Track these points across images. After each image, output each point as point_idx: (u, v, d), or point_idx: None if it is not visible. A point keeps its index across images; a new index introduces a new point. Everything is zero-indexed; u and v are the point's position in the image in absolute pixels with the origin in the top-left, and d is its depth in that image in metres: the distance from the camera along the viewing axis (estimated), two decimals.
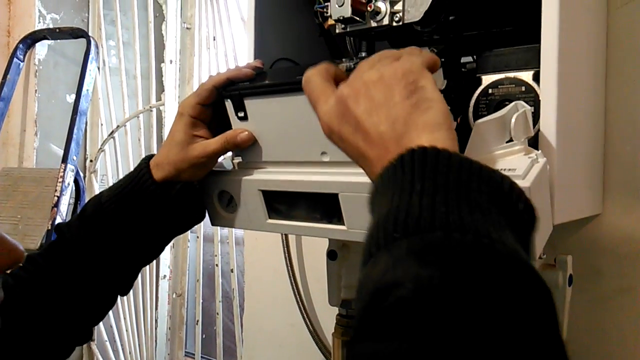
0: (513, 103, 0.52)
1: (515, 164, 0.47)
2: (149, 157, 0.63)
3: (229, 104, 0.64)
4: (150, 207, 0.61)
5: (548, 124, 0.52)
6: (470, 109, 0.62)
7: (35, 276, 0.60)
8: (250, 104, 0.63)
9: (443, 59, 0.66)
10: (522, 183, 0.44)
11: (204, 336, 1.82)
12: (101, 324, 1.94)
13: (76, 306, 0.62)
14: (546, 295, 0.29)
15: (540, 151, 0.50)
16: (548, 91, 0.52)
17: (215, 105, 0.65)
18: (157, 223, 0.63)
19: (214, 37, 1.59)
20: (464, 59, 0.68)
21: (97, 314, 0.66)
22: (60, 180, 1.51)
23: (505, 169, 0.46)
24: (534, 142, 0.57)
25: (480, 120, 0.51)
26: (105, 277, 0.63)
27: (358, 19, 0.66)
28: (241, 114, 0.64)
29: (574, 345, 0.74)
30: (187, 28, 1.63)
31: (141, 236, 0.62)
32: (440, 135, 0.39)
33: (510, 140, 0.51)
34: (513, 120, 0.50)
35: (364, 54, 0.83)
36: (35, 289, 0.60)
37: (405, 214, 0.32)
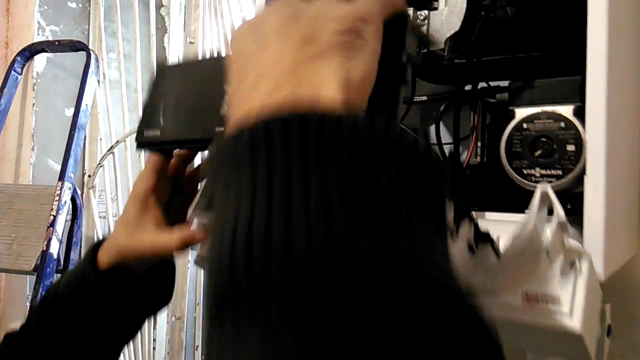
0: (530, 221, 0.41)
1: (555, 288, 0.40)
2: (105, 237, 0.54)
3: None
4: (97, 300, 0.52)
5: (596, 170, 0.47)
6: (502, 145, 0.56)
7: None
8: None
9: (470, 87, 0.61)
10: (570, 323, 0.37)
11: None
12: None
13: None
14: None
15: (581, 247, 0.44)
16: (595, 132, 0.47)
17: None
18: (111, 313, 0.53)
19: (218, 52, 1.54)
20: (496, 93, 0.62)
21: None
22: (57, 198, 1.45)
23: (542, 300, 0.39)
24: (577, 180, 0.51)
25: (505, 255, 0.42)
26: None
27: None
28: None
29: None
30: (191, 42, 1.58)
31: (98, 326, 0.53)
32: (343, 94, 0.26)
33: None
34: (548, 245, 0.41)
35: None
36: None
37: (265, 237, 0.20)
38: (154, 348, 1.65)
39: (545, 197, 0.41)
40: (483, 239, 0.41)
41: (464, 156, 0.83)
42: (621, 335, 0.69)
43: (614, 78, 0.48)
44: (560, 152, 0.52)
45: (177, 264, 1.68)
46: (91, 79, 1.60)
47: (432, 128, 0.88)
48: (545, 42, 0.60)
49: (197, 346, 1.56)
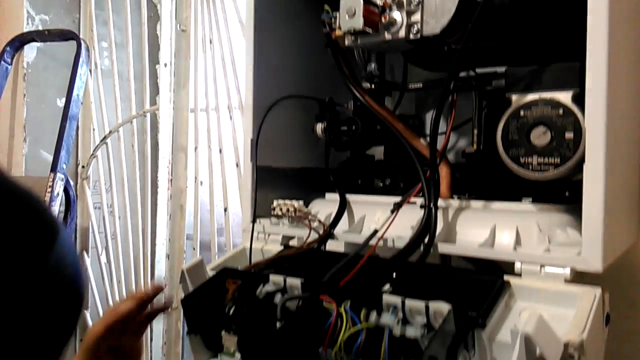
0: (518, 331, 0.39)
1: None
2: None
3: None
4: None
5: (596, 158, 0.46)
6: (499, 133, 0.55)
7: None
8: None
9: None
10: None
11: None
12: None
13: None
14: None
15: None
16: (595, 119, 0.46)
17: None
18: None
19: (210, 40, 1.52)
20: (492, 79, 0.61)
21: None
22: (49, 190, 1.43)
23: None
24: (576, 168, 0.50)
25: None
26: None
27: (370, 30, 0.59)
28: None
29: None
30: (183, 30, 1.55)
31: None
32: None
33: None
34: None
35: (373, 65, 0.76)
36: None
37: None
38: (150, 339, 1.64)
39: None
40: None
41: (460, 144, 0.82)
42: (619, 322, 0.68)
43: (614, 63, 0.47)
44: (559, 139, 0.51)
45: (174, 251, 1.64)
46: (82, 69, 1.58)
47: (429, 115, 0.87)
48: (544, 27, 0.58)
49: None
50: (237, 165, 1.44)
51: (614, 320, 0.65)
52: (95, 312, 1.85)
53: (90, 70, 1.74)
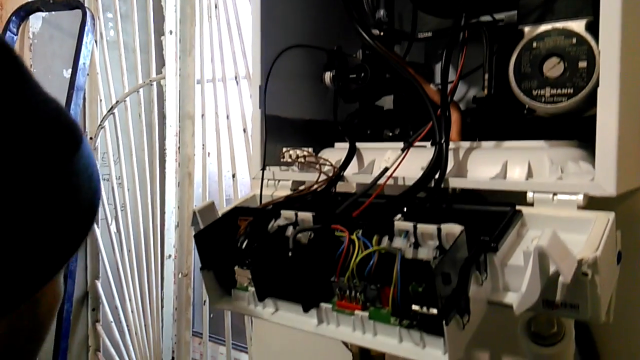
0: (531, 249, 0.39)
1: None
2: None
3: None
4: None
5: (609, 86, 0.45)
6: (511, 67, 0.55)
7: None
8: None
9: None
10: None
11: (211, 316, 1.77)
12: (106, 305, 1.90)
13: None
14: None
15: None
16: (609, 48, 0.45)
17: None
18: None
19: (216, 5, 1.50)
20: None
21: None
22: None
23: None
24: (588, 101, 0.50)
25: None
26: None
27: None
28: None
29: (608, 327, 0.68)
30: None
31: None
32: None
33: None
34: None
35: (382, 12, 0.75)
36: None
37: None
38: (162, 305, 1.66)
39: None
40: None
41: (471, 94, 0.81)
42: (631, 264, 0.68)
43: None
44: (572, 69, 0.50)
45: (183, 220, 1.65)
46: (87, 38, 1.58)
47: (438, 66, 0.86)
48: None
49: (205, 301, 1.57)
50: (244, 130, 1.44)
51: (625, 263, 0.65)
52: (107, 282, 1.88)
53: (96, 41, 1.73)
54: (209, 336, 1.66)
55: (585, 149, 0.55)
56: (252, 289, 0.53)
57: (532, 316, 0.59)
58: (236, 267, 0.54)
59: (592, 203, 0.48)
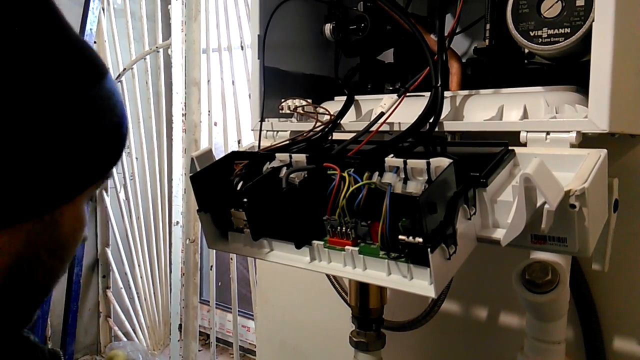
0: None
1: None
2: None
3: None
4: None
5: (605, 21, 0.44)
6: (509, 9, 0.54)
7: None
8: None
9: None
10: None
11: (219, 284, 1.80)
12: (116, 271, 1.94)
13: None
14: None
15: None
16: None
17: None
18: None
19: None
20: None
21: None
22: None
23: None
24: (585, 43, 0.49)
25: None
26: None
27: None
28: None
29: (603, 276, 0.68)
30: None
31: None
32: None
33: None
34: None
35: None
36: None
37: None
38: (170, 270, 1.69)
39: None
40: None
41: (475, 44, 0.80)
42: (629, 216, 0.68)
43: None
44: (569, 9, 0.50)
45: (189, 189, 1.67)
46: (94, 2, 1.57)
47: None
48: None
49: (212, 266, 1.60)
50: (249, 96, 1.43)
51: (621, 213, 0.65)
52: (116, 249, 1.91)
53: (103, 9, 1.73)
54: (216, 304, 1.69)
55: (583, 94, 0.54)
56: (247, 230, 0.54)
57: (527, 264, 0.59)
58: (232, 210, 0.54)
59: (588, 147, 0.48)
